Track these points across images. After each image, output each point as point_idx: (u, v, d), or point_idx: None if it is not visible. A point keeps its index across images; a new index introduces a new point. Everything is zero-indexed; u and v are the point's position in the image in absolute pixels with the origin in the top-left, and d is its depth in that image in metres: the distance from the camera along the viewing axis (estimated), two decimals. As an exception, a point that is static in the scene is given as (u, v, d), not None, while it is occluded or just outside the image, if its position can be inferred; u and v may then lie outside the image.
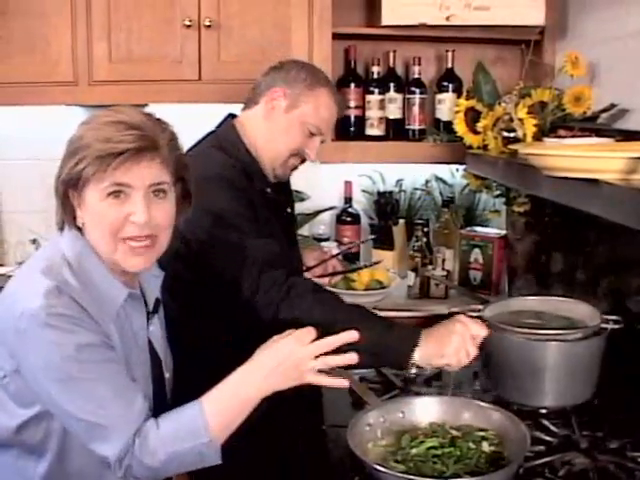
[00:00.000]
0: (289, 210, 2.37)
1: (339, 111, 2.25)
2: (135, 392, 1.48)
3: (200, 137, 2.23)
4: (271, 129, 2.14)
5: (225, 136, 2.17)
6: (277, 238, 2.06)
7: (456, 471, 1.57)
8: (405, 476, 1.53)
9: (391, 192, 3.25)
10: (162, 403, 1.63)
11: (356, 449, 1.59)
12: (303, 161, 2.22)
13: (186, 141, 2.21)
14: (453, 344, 1.74)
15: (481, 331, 1.79)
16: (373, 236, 3.04)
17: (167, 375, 1.70)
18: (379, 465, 1.56)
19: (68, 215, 1.51)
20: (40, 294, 1.41)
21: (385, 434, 1.74)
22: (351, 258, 3.11)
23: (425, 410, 1.80)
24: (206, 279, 1.93)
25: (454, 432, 1.72)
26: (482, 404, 1.81)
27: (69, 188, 1.48)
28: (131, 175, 1.45)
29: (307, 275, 2.49)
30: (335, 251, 2.82)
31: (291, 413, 2.36)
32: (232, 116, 2.24)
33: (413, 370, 1.77)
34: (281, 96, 2.12)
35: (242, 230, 1.92)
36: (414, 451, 1.65)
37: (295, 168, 2.23)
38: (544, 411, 1.93)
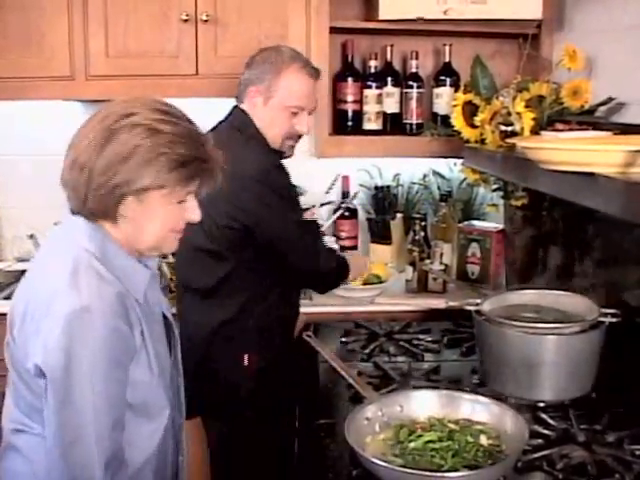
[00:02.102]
0: None
1: (316, 77, 2.38)
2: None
3: (212, 126, 2.33)
4: (261, 121, 2.33)
5: (242, 120, 2.34)
6: None
7: (454, 465, 1.57)
8: (403, 470, 1.54)
9: (389, 186, 3.25)
10: (176, 364, 1.73)
11: (354, 443, 1.60)
12: (300, 137, 2.40)
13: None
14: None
15: None
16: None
17: (178, 338, 1.76)
18: (377, 459, 1.56)
19: (114, 211, 1.49)
20: (81, 293, 1.42)
21: (383, 428, 1.74)
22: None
23: (423, 404, 1.80)
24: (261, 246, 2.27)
25: (452, 426, 1.72)
26: (480, 398, 1.81)
27: (136, 192, 1.47)
28: (202, 187, 1.56)
29: None
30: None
31: (289, 408, 2.37)
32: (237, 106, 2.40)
33: None
34: (256, 94, 2.31)
35: (297, 209, 2.37)
36: (412, 445, 1.65)
37: (295, 146, 2.41)
38: (542, 405, 1.94)
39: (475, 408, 1.78)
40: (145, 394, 1.54)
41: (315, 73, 2.37)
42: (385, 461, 1.57)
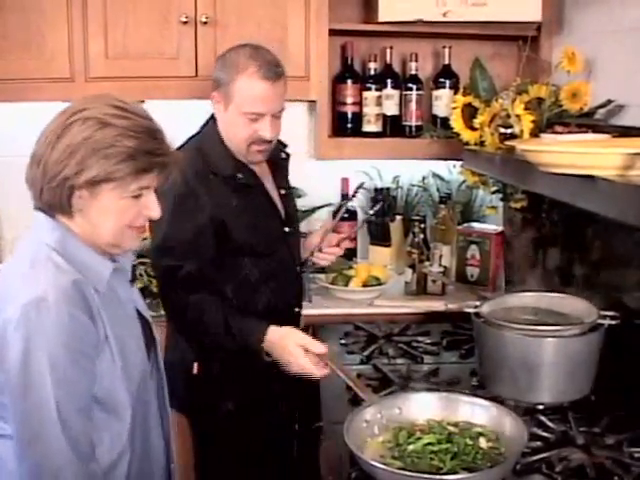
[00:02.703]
0: (283, 192, 2.40)
1: (274, 79, 2.19)
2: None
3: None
4: (224, 127, 2.26)
5: (208, 129, 2.29)
6: (235, 218, 2.19)
7: (453, 467, 1.57)
8: (401, 472, 1.54)
9: (388, 188, 3.24)
10: (156, 364, 1.77)
11: (353, 445, 1.60)
12: (268, 142, 2.24)
13: (183, 138, 2.24)
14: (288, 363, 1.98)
15: (319, 348, 1.95)
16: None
17: (158, 337, 1.80)
18: (375, 461, 1.56)
19: (67, 204, 1.51)
20: (38, 284, 1.44)
21: (382, 430, 1.74)
22: (348, 255, 3.10)
23: (422, 406, 1.81)
24: None
25: (451, 428, 1.72)
26: (479, 400, 1.81)
27: (84, 185, 1.49)
28: (155, 181, 1.57)
29: (325, 250, 2.46)
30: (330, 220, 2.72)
31: (289, 411, 2.37)
32: None
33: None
34: (218, 99, 2.23)
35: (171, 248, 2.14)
36: (411, 447, 1.65)
37: (264, 150, 2.26)
38: (541, 407, 1.93)
39: (474, 410, 1.78)
40: (109, 386, 1.54)
41: (273, 75, 2.19)
42: (384, 464, 1.57)
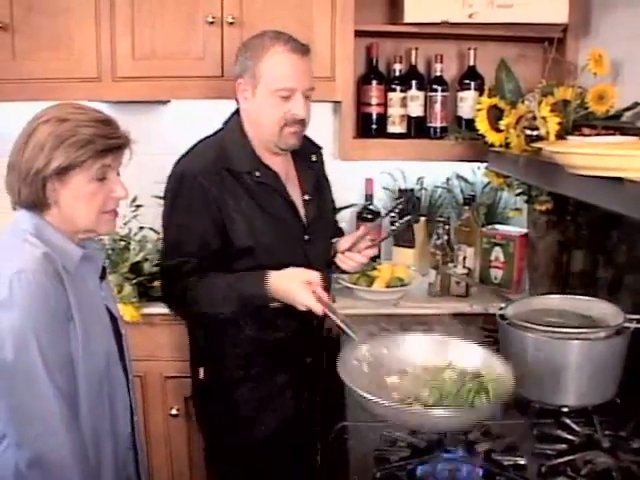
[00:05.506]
0: (307, 197, 2.32)
1: (302, 52, 2.18)
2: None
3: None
4: (253, 113, 2.21)
5: (231, 124, 2.28)
6: (242, 220, 2.15)
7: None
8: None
9: (412, 190, 3.24)
10: (122, 356, 1.90)
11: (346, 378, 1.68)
12: (302, 123, 2.21)
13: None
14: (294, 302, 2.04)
15: (317, 278, 2.04)
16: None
17: (123, 331, 1.94)
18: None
19: (42, 197, 1.67)
20: (16, 259, 1.61)
21: (372, 368, 1.82)
22: (372, 256, 3.10)
23: (409, 347, 1.88)
24: None
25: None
26: (465, 343, 1.87)
27: (54, 175, 1.64)
28: (115, 161, 1.74)
29: (348, 254, 2.37)
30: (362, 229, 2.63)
31: (313, 412, 2.36)
32: None
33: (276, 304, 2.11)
34: (244, 86, 2.21)
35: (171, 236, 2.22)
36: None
37: (298, 132, 2.22)
38: (566, 410, 1.93)
39: (464, 354, 1.83)
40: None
41: (302, 48, 2.16)
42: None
